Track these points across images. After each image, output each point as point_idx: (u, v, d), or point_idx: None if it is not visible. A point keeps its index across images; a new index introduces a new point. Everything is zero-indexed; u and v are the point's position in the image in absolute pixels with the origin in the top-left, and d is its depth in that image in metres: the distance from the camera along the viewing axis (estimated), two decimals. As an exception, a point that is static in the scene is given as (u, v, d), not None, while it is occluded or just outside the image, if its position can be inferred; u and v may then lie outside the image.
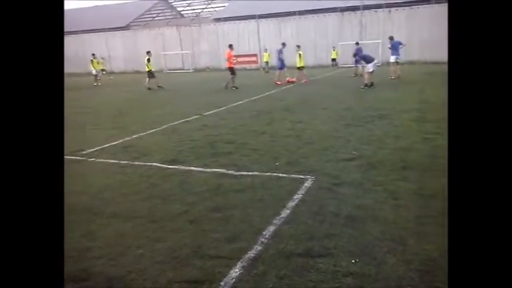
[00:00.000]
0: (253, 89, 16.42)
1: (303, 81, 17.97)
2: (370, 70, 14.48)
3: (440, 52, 23.54)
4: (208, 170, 5.41)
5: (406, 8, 27.87)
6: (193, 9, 40.96)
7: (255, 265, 2.97)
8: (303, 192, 4.37)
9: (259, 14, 31.97)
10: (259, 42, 32.05)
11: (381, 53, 25.74)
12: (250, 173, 5.15)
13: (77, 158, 6.48)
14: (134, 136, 8.01)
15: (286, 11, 31.27)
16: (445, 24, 1.76)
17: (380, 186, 4.45)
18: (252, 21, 32.44)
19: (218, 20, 35.38)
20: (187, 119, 9.71)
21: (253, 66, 31.96)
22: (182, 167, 5.60)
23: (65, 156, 6.43)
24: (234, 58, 18.38)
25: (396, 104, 10.42)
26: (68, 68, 37.60)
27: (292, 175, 4.99)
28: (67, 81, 25.80)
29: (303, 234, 3.41)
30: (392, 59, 17.49)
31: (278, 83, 17.81)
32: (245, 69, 29.87)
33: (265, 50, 28.81)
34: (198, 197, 4.40)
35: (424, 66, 23.39)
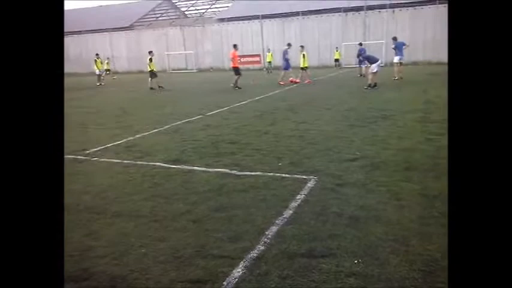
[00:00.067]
0: (257, 89, 16.42)
1: (306, 82, 17.95)
2: (374, 71, 14.44)
3: (444, 53, 23.45)
4: (211, 169, 5.41)
5: (409, 8, 27.80)
6: (197, 10, 41.03)
7: (257, 265, 2.96)
8: (306, 193, 4.36)
9: (263, 14, 31.97)
10: (262, 42, 32.06)
11: (385, 54, 25.68)
12: (253, 173, 5.15)
13: (80, 157, 6.50)
14: (137, 136, 8.03)
15: (290, 11, 31.26)
16: (447, 25, 1.75)
17: (383, 186, 4.44)
18: (256, 22, 32.46)
19: (222, 20, 35.41)
20: (190, 119, 9.72)
21: (257, 66, 31.96)
22: (185, 167, 5.61)
23: (68, 156, 6.46)
24: (239, 58, 18.38)
25: (400, 104, 10.39)
26: (72, 67, 37.90)
27: (295, 175, 4.99)
28: (71, 81, 25.98)
29: (305, 234, 3.41)
30: (396, 59, 17.44)
31: (281, 83, 17.80)
32: (248, 69, 29.87)
33: (268, 50, 28.82)
34: (201, 197, 4.40)
35: (427, 67, 23.31)
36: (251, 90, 16.16)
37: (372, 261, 2.95)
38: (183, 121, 9.50)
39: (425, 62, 26.18)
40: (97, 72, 24.12)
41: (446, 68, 1.72)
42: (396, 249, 3.09)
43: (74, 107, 13.45)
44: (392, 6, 28.25)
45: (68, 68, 37.47)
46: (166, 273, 2.92)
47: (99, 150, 6.97)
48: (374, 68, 14.47)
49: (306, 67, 18.34)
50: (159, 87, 18.92)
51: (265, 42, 31.71)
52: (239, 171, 5.28)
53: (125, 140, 7.70)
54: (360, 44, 20.91)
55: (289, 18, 31.42)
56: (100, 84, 23.39)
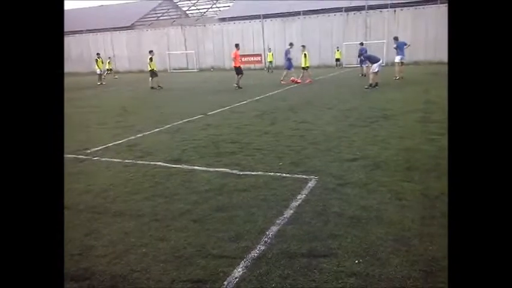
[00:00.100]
0: (258, 88, 16.42)
1: (307, 81, 17.94)
2: (375, 70, 14.43)
3: (446, 52, 23.38)
4: (211, 169, 5.41)
5: (411, 8, 27.76)
6: (198, 9, 41.03)
7: (258, 265, 2.96)
8: (307, 193, 4.36)
9: (264, 14, 31.96)
10: (263, 42, 32.05)
11: (386, 54, 25.66)
12: (253, 173, 5.14)
13: (82, 156, 6.50)
14: (138, 135, 8.03)
15: (291, 11, 31.25)
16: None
17: (384, 186, 4.43)
18: (257, 21, 32.44)
19: (223, 19, 35.42)
20: (191, 119, 9.72)
21: (258, 66, 31.96)
22: (186, 166, 5.61)
23: (70, 155, 6.47)
24: (240, 58, 18.38)
25: (401, 104, 10.38)
26: (73, 67, 37.95)
27: (296, 175, 4.98)
28: (72, 80, 26.00)
29: (306, 234, 3.40)
30: (397, 59, 17.42)
31: (283, 82, 17.79)
32: (249, 68, 29.88)
33: (269, 50, 28.82)
34: (202, 197, 4.40)
35: (428, 67, 23.29)
36: (252, 89, 16.16)
37: (373, 261, 2.95)
38: (183, 120, 9.50)
39: (427, 62, 26.15)
40: (98, 71, 24.15)
41: (447, 67, 1.72)
42: (397, 250, 3.09)
43: (76, 106, 13.47)
44: (394, 5, 28.22)
45: (69, 68, 37.61)
46: (166, 273, 2.92)
47: (100, 149, 6.97)
48: (375, 67, 14.45)
49: (307, 67, 18.33)
50: (158, 86, 18.92)
51: (266, 42, 31.70)
52: (240, 170, 5.27)
53: (126, 139, 7.71)
54: (361, 44, 20.89)
55: (290, 18, 31.41)
56: (101, 83, 23.42)
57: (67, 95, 16.35)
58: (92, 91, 19.77)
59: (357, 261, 2.95)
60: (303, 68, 18.28)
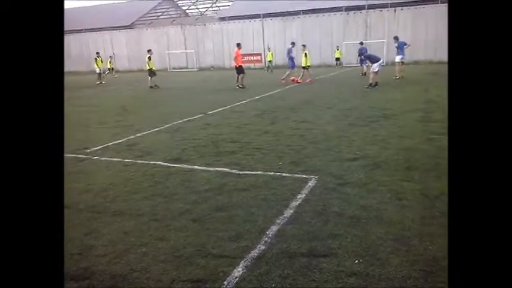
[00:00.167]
0: (258, 88, 16.41)
1: (307, 81, 17.93)
2: (376, 70, 14.43)
3: (446, 52, 23.37)
4: (211, 169, 5.41)
5: (411, 7, 27.75)
6: (198, 8, 41.01)
7: (258, 264, 2.96)
8: (307, 192, 4.35)
9: (264, 13, 31.94)
10: (263, 41, 32.03)
11: (386, 53, 25.66)
12: (253, 172, 5.14)
13: (81, 156, 6.50)
14: (138, 134, 8.03)
15: (291, 10, 31.24)
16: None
17: (384, 186, 4.43)
18: (257, 21, 32.42)
19: (223, 19, 35.40)
20: (191, 118, 9.72)
21: (258, 65, 31.95)
22: (186, 166, 5.61)
23: (70, 155, 6.47)
24: (242, 57, 18.36)
25: (401, 104, 10.37)
26: (74, 66, 37.92)
27: (296, 175, 4.98)
28: (72, 79, 25.97)
29: (306, 234, 3.40)
30: (397, 58, 17.42)
31: (283, 81, 17.78)
32: (249, 68, 29.85)
33: (269, 49, 28.81)
34: (201, 196, 4.39)
35: (428, 66, 23.29)
36: (252, 89, 16.15)
37: (373, 261, 2.94)
38: (183, 120, 9.49)
39: (427, 61, 26.15)
40: (97, 70, 24.12)
41: (447, 67, 1.72)
42: (397, 249, 3.08)
43: (75, 105, 13.47)
44: (394, 5, 28.22)
45: (69, 67, 37.58)
46: (166, 273, 2.92)
47: (99, 149, 6.97)
48: (375, 67, 14.45)
49: (308, 66, 18.32)
50: (155, 85, 18.88)
51: (266, 42, 31.68)
52: (240, 170, 5.27)
53: (125, 138, 7.70)
54: (361, 43, 20.90)
55: (291, 17, 31.39)
56: (100, 82, 23.38)
57: (66, 94, 16.34)
58: (91, 90, 19.76)
59: (356, 261, 2.95)
60: (304, 68, 18.27)
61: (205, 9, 40.37)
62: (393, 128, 7.44)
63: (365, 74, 18.90)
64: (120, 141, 7.52)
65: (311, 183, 4.62)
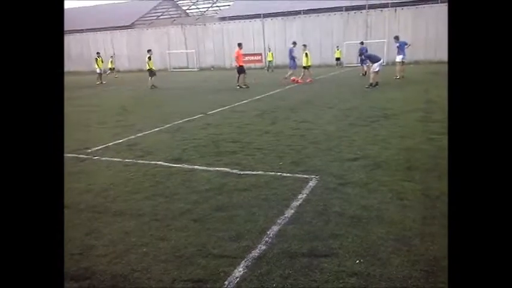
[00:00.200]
0: (258, 88, 16.41)
1: (308, 81, 17.93)
2: (376, 70, 14.42)
3: (446, 52, 23.35)
4: (212, 168, 5.41)
5: (411, 7, 27.74)
6: (198, 8, 41.01)
7: (259, 264, 2.96)
8: (308, 192, 4.35)
9: (264, 13, 31.94)
10: (264, 41, 32.03)
11: (386, 53, 25.64)
12: (254, 172, 5.14)
13: (82, 156, 6.50)
14: (139, 134, 8.03)
15: (291, 10, 31.23)
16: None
17: (385, 186, 4.43)
18: (257, 20, 32.42)
19: (223, 19, 35.39)
20: (191, 118, 9.72)
21: (258, 65, 31.94)
22: (186, 166, 5.61)
23: (70, 154, 6.47)
24: (243, 57, 18.37)
25: (401, 103, 10.37)
26: (74, 66, 37.95)
27: (297, 175, 4.98)
28: (73, 79, 25.98)
29: (307, 234, 3.40)
30: (398, 58, 17.42)
31: (285, 80, 17.77)
32: (250, 68, 29.85)
33: (269, 50, 28.80)
34: (202, 196, 4.39)
35: (429, 66, 23.27)
36: (252, 89, 16.15)
37: (374, 261, 2.94)
38: (184, 120, 9.49)
39: (427, 61, 26.14)
40: (98, 71, 24.10)
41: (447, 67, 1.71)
42: (398, 249, 3.08)
43: (76, 105, 13.47)
44: (394, 5, 28.21)
45: (69, 67, 37.60)
46: (167, 273, 2.92)
47: (100, 149, 6.97)
48: (376, 67, 14.44)
49: (308, 66, 18.31)
50: (153, 86, 18.80)
51: (266, 41, 31.67)
52: (240, 170, 5.27)
53: (126, 138, 7.70)
54: (361, 43, 20.89)
55: (291, 17, 31.38)
56: (101, 82, 23.35)
57: (67, 94, 16.34)
58: (92, 90, 19.76)
59: (357, 261, 2.94)
60: (304, 68, 18.26)
61: (206, 9, 40.39)
62: (394, 128, 7.44)
63: (365, 74, 18.89)
64: (120, 141, 7.52)
65: (312, 183, 4.62)
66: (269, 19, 32.07)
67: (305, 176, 4.88)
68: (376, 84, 14.32)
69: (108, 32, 38.81)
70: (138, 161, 6.01)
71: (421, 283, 2.66)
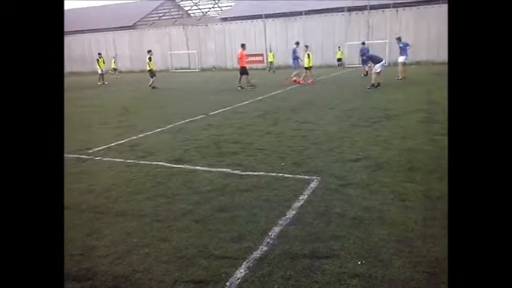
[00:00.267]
0: (259, 88, 16.41)
1: (309, 82, 17.92)
2: (378, 70, 14.40)
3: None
4: (213, 169, 5.41)
5: (413, 7, 27.70)
6: (200, 9, 41.05)
7: (260, 266, 2.96)
8: (309, 193, 4.35)
9: (266, 13, 31.94)
10: (265, 42, 32.03)
11: (388, 54, 25.61)
12: (255, 173, 5.14)
13: (84, 156, 6.51)
14: (140, 135, 8.03)
15: (293, 10, 31.22)
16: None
17: (387, 187, 4.42)
18: (259, 21, 32.42)
19: (225, 19, 35.40)
20: (193, 119, 9.72)
21: (260, 66, 31.94)
22: (188, 167, 5.61)
23: (72, 155, 6.48)
24: (246, 57, 18.39)
25: (403, 104, 10.35)
26: (76, 67, 38.03)
27: (298, 175, 4.97)
28: (74, 80, 26.03)
29: (308, 235, 3.39)
30: (401, 59, 17.41)
31: (286, 81, 17.78)
32: (251, 68, 29.84)
33: (270, 50, 28.79)
34: (204, 197, 4.39)
35: (431, 67, 23.23)
36: (254, 89, 16.15)
37: (376, 262, 2.94)
38: (185, 120, 9.50)
39: (429, 62, 26.09)
40: (99, 71, 24.13)
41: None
42: (400, 251, 3.07)
43: (77, 106, 13.50)
44: (396, 5, 28.16)
45: (71, 67, 37.69)
46: (169, 273, 2.92)
47: (102, 149, 6.98)
48: (377, 67, 14.42)
49: (310, 67, 18.31)
50: (150, 85, 18.75)
51: (268, 42, 31.67)
52: (242, 171, 5.27)
53: (127, 139, 7.71)
54: (363, 44, 20.85)
55: (293, 18, 31.38)
56: (103, 83, 23.36)
57: (69, 95, 16.38)
58: (93, 91, 19.79)
59: (359, 263, 2.94)
60: (306, 68, 18.26)
61: (207, 9, 40.42)
62: (395, 129, 7.42)
63: (367, 75, 18.87)
64: (122, 141, 7.53)
65: (313, 184, 4.61)
66: (271, 20, 32.08)
67: (306, 177, 4.87)
68: (378, 85, 14.30)
69: (110, 32, 38.86)
70: (140, 162, 6.01)
71: (423, 285, 2.66)
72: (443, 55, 25.21)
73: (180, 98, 15.05)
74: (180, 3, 42.97)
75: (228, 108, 11.31)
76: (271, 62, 28.16)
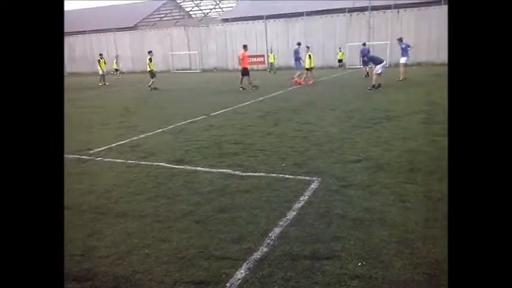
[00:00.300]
0: (260, 89, 16.42)
1: (310, 82, 17.93)
2: (379, 72, 14.40)
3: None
4: (214, 170, 5.41)
5: (414, 9, 27.71)
6: (201, 10, 41.09)
7: (260, 267, 2.95)
8: (310, 194, 4.35)
9: (267, 14, 31.97)
10: (266, 42, 32.05)
11: (389, 55, 25.61)
12: (256, 174, 5.14)
13: (85, 157, 6.51)
14: (141, 136, 8.04)
15: (294, 11, 31.24)
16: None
17: (388, 188, 4.42)
18: (260, 22, 32.45)
19: (226, 20, 35.44)
20: (194, 119, 9.73)
21: (261, 66, 31.96)
22: (189, 167, 5.61)
23: (73, 155, 6.49)
24: (248, 58, 18.42)
25: (404, 105, 10.35)
26: (77, 67, 38.10)
27: (299, 176, 4.97)
28: (76, 80, 26.08)
29: (309, 236, 3.39)
30: (402, 60, 17.42)
31: (294, 80, 17.82)
32: (252, 69, 29.87)
33: (271, 51, 28.81)
34: (204, 198, 4.39)
35: (431, 68, 23.22)
36: (254, 90, 16.15)
37: (376, 263, 2.93)
38: (186, 121, 9.50)
39: (429, 63, 26.09)
40: (100, 72, 24.15)
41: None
42: (400, 252, 3.07)
43: (78, 106, 13.52)
44: (397, 6, 28.17)
45: (73, 68, 37.77)
46: (169, 274, 2.92)
47: (103, 150, 6.98)
48: (378, 69, 14.42)
49: (311, 68, 18.32)
50: (149, 87, 18.69)
51: (269, 43, 31.69)
52: (243, 171, 5.27)
53: (128, 140, 7.72)
54: (364, 44, 20.87)
55: (294, 19, 31.40)
56: (104, 83, 23.38)
57: (70, 95, 16.41)
58: (94, 91, 19.82)
59: (360, 264, 2.94)
60: (307, 69, 18.28)
61: (209, 10, 40.46)
62: (396, 130, 7.42)
63: (368, 76, 18.87)
64: (123, 142, 7.54)
65: (314, 185, 4.61)
66: (272, 20, 32.10)
67: (307, 178, 4.87)
68: (379, 86, 14.30)
69: (111, 33, 38.93)
70: (141, 162, 6.02)
71: (424, 286, 2.65)
72: (443, 56, 25.21)
73: (181, 98, 15.07)
74: (181, 4, 43.04)
75: (229, 109, 11.31)
76: (271, 63, 28.18)
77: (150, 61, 19.25)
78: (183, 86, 20.77)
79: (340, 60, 28.37)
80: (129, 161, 6.12)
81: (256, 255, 3.12)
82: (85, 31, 39.71)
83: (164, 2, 42.99)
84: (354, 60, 27.84)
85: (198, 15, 41.33)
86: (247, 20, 33.34)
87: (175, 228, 3.68)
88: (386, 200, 4.11)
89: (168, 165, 5.79)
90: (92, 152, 6.85)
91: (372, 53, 18.46)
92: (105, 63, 24.74)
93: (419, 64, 25.52)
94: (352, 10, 29.35)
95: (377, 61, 14.74)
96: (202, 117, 10.04)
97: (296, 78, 18.14)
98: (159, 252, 3.25)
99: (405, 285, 2.67)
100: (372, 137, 6.96)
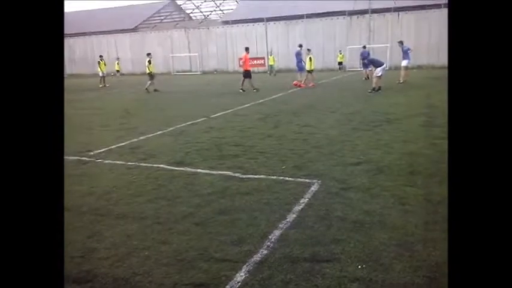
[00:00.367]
0: (261, 91, 16.43)
1: (310, 85, 17.94)
2: (379, 74, 14.41)
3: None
4: (214, 172, 5.41)
5: (414, 11, 27.76)
6: (202, 12, 41.17)
7: (260, 269, 2.95)
8: (310, 197, 4.34)
9: (268, 16, 32.03)
10: (267, 45, 32.10)
11: (389, 57, 25.65)
12: (256, 176, 5.14)
13: (85, 158, 6.51)
14: (141, 137, 8.04)
15: (295, 14, 31.31)
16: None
17: (388, 191, 4.42)
18: (260, 24, 32.51)
19: (226, 22, 35.52)
20: (194, 121, 9.74)
21: (261, 69, 32.00)
22: (189, 169, 5.61)
23: (73, 157, 6.49)
24: (250, 61, 18.45)
25: (404, 108, 10.36)
26: (77, 69, 38.13)
27: (299, 179, 4.97)
28: (76, 82, 26.10)
29: (309, 238, 3.39)
30: (403, 63, 17.46)
31: (302, 85, 17.83)
32: (252, 72, 29.88)
33: (271, 54, 28.85)
34: (204, 200, 4.39)
35: (431, 71, 23.25)
36: (255, 92, 16.17)
37: (376, 266, 2.93)
38: (187, 123, 9.51)
39: (430, 66, 26.14)
40: (100, 74, 24.17)
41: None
42: (400, 255, 3.07)
43: (78, 108, 13.52)
44: (397, 9, 28.24)
45: (73, 69, 37.79)
46: (169, 276, 2.92)
47: (103, 151, 6.98)
48: (378, 71, 14.44)
49: (311, 70, 18.34)
50: (146, 89, 18.53)
51: (269, 45, 31.74)
52: (243, 174, 5.27)
53: (129, 141, 7.72)
54: (364, 47, 20.91)
55: (294, 21, 31.47)
56: (104, 85, 23.39)
57: (70, 97, 16.42)
58: (95, 93, 19.83)
59: (359, 267, 2.93)
60: (307, 71, 18.29)
61: (209, 12, 40.55)
62: (396, 133, 7.42)
63: (368, 78, 18.89)
64: (123, 144, 7.54)
65: (314, 188, 4.61)
66: (272, 23, 32.16)
67: (307, 180, 4.87)
68: (379, 88, 14.31)
69: (111, 35, 39.00)
70: (141, 164, 6.02)
71: (424, 289, 2.65)
72: (443, 59, 25.25)
73: (181, 100, 15.08)
74: (181, 6, 43.13)
75: (229, 111, 11.32)
76: (271, 65, 28.22)
77: (150, 63, 19.21)
78: (183, 88, 20.79)
79: (340, 63, 28.43)
80: (129, 163, 6.12)
81: (256, 257, 3.11)
82: (85, 33, 39.78)
83: (165, 4, 43.09)
84: (354, 62, 27.88)
85: (198, 17, 41.43)
86: (247, 22, 33.40)
87: (175, 230, 3.68)
88: (387, 202, 4.10)
89: (168, 167, 5.79)
90: (92, 153, 6.85)
91: (372, 56, 18.50)
92: (105, 65, 24.77)
93: (419, 67, 25.56)
94: (352, 13, 29.42)
95: (377, 64, 14.76)
96: (203, 119, 10.05)
97: (295, 81, 18.15)
98: (159, 254, 3.24)
99: (405, 288, 2.66)
100: (372, 139, 6.96)
